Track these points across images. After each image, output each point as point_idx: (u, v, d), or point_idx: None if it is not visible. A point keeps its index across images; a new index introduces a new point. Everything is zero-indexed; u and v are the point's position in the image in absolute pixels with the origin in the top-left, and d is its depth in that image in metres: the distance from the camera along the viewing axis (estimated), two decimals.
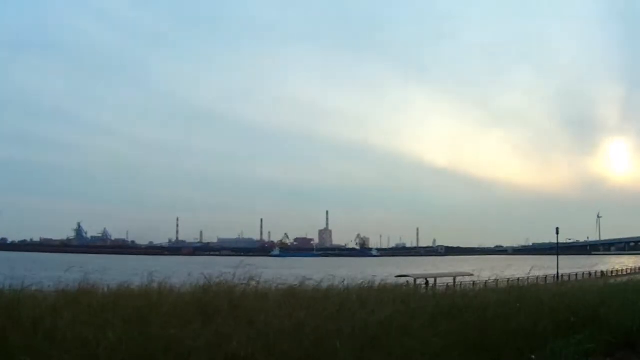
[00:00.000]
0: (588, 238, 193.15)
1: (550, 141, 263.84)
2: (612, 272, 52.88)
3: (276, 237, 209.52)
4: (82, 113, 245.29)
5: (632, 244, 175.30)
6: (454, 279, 29.66)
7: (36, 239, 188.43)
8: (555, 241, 54.80)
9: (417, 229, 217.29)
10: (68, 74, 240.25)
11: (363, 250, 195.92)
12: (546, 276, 38.07)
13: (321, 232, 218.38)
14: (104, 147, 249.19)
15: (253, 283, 9.29)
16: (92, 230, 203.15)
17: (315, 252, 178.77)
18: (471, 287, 18.45)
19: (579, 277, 43.89)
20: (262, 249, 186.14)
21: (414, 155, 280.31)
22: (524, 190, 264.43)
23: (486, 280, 24.59)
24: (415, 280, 25.80)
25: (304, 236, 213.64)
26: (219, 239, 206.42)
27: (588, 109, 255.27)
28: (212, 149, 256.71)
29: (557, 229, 53.37)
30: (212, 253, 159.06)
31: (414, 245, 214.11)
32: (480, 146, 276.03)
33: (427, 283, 25.56)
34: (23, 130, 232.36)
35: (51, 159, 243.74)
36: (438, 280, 29.56)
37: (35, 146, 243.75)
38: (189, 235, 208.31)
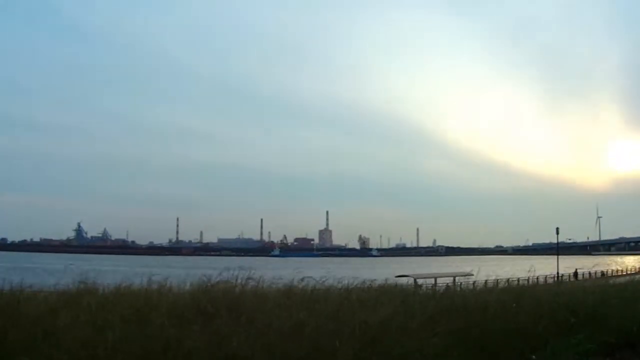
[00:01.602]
0: (588, 238, 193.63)
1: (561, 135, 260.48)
2: (611, 272, 52.87)
3: (276, 237, 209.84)
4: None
5: (632, 244, 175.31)
6: (454, 279, 29.64)
7: (36, 239, 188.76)
8: (555, 241, 54.85)
9: (417, 229, 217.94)
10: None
11: (363, 250, 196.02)
12: (546, 276, 38.08)
13: (321, 232, 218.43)
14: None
15: (253, 283, 9.28)
16: (92, 230, 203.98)
17: (315, 252, 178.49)
18: (471, 287, 18.41)
19: (579, 277, 43.88)
20: (262, 249, 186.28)
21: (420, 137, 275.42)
22: (526, 189, 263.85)
23: (486, 280, 24.55)
24: (415, 280, 25.78)
25: (304, 236, 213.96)
26: (219, 239, 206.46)
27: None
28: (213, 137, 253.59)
29: (557, 229, 53.40)
30: (212, 253, 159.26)
31: (414, 245, 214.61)
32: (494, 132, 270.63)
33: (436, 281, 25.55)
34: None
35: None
36: (438, 280, 29.50)
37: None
38: (189, 235, 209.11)
